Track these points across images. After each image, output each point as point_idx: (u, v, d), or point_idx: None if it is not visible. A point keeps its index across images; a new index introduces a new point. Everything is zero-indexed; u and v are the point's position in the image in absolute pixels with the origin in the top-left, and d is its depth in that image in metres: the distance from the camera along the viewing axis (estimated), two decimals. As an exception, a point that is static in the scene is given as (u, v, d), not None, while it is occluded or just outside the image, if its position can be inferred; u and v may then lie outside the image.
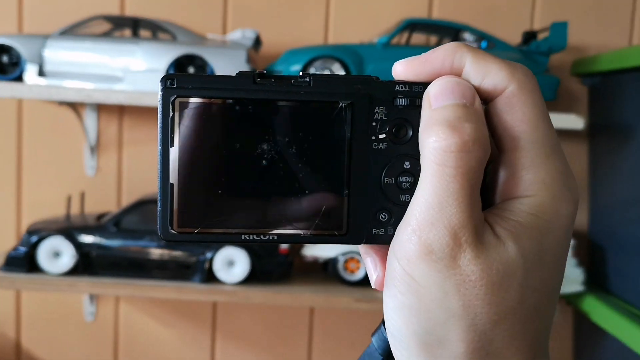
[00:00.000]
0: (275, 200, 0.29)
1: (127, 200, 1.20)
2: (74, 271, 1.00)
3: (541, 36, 1.05)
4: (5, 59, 0.96)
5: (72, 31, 0.99)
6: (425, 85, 0.29)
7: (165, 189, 0.29)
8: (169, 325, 1.24)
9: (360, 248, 0.32)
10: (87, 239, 1.00)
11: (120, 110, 1.20)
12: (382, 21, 1.13)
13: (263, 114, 0.29)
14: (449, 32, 1.02)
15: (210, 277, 1.00)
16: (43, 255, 0.99)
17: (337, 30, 1.17)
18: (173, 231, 0.29)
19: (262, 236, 0.30)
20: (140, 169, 1.20)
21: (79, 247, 1.00)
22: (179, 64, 0.96)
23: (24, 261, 0.99)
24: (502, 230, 0.27)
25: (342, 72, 0.95)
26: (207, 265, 1.00)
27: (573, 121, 0.95)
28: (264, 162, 0.29)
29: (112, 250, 1.00)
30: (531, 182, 0.27)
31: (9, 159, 1.20)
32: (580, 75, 1.12)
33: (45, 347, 1.24)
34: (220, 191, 0.29)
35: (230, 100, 0.29)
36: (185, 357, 1.24)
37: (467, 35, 1.00)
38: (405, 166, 0.30)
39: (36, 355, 1.24)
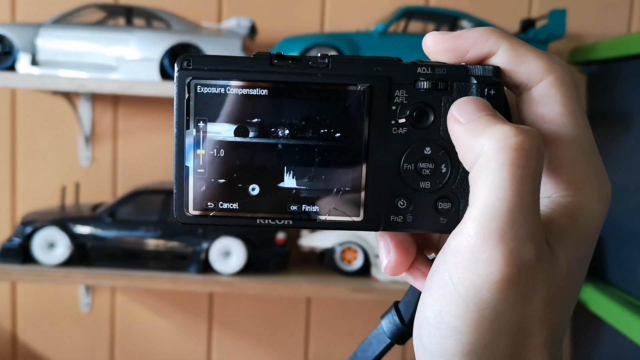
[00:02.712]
0: (291, 184, 0.29)
1: (122, 190, 1.19)
2: (69, 262, 0.99)
3: (539, 24, 1.04)
4: (-3, 48, 0.95)
5: (65, 20, 0.98)
6: (449, 67, 0.28)
7: (180, 171, 0.29)
8: (165, 316, 1.23)
9: (376, 233, 0.31)
10: (82, 229, 0.99)
11: (115, 100, 1.18)
12: (378, 9, 1.12)
13: (280, 96, 0.28)
14: (446, 19, 1.01)
15: (206, 267, 1.00)
16: (38, 246, 0.98)
17: (333, 19, 1.15)
18: (189, 214, 0.29)
19: (277, 221, 0.29)
20: (136, 159, 1.19)
21: (74, 238, 0.99)
22: (174, 53, 0.94)
23: (19, 252, 0.98)
24: (551, 239, 0.25)
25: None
26: (203, 255, 0.99)
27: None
28: (279, 145, 0.29)
29: (107, 241, 0.99)
30: (570, 180, 0.26)
31: (3, 150, 1.19)
32: (579, 63, 1.11)
33: (41, 339, 1.24)
34: (235, 175, 0.29)
35: (246, 82, 0.28)
36: (181, 347, 1.24)
37: (465, 23, 0.99)
38: (425, 152, 0.29)
39: (32, 346, 1.24)
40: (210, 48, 0.94)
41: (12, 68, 0.95)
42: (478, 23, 0.99)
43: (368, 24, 1.10)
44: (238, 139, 0.28)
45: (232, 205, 0.29)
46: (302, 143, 0.28)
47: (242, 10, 1.13)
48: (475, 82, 0.28)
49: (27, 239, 0.99)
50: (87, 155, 1.19)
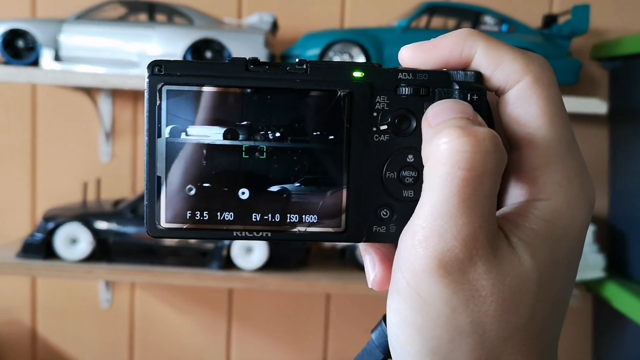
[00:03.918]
0: (268, 195, 0.28)
1: (142, 186, 1.19)
2: (91, 258, 0.99)
3: (562, 19, 1.03)
4: (20, 43, 0.95)
5: (88, 16, 0.98)
6: (430, 73, 0.27)
7: (152, 182, 0.27)
8: (184, 312, 1.23)
9: (360, 245, 0.30)
10: (103, 225, 1.00)
11: (135, 96, 1.19)
12: (397, 5, 1.11)
13: (256, 103, 0.27)
14: (468, 15, 1.00)
15: (227, 263, 1.00)
16: (60, 241, 0.99)
17: (354, 14, 1.15)
18: (160, 226, 0.28)
19: (254, 233, 0.28)
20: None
21: (96, 233, 0.99)
22: (196, 49, 0.94)
23: (41, 248, 0.99)
24: (518, 240, 0.25)
25: (362, 57, 0.94)
26: (224, 252, 0.99)
27: (596, 105, 0.93)
28: (256, 154, 0.27)
29: (128, 237, 1.00)
30: (546, 183, 0.26)
31: (23, 145, 1.19)
32: (601, 59, 1.10)
33: (60, 334, 1.24)
34: (210, 185, 0.28)
35: (221, 88, 0.27)
36: (200, 343, 1.24)
37: (488, 19, 0.99)
38: (408, 160, 0.28)
39: (51, 342, 1.24)
40: (233, 44, 0.94)
41: (35, 64, 0.96)
42: (501, 18, 0.99)
43: (388, 20, 1.09)
44: (212, 148, 0.27)
45: (206, 218, 0.28)
46: (279, 152, 0.27)
47: (261, 6, 1.13)
48: (457, 87, 0.27)
49: (50, 234, 0.99)
50: (107, 151, 1.19)
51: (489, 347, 0.24)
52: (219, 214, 0.28)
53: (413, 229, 0.25)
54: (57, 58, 0.95)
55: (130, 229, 1.00)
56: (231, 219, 0.28)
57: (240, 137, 0.27)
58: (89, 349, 1.24)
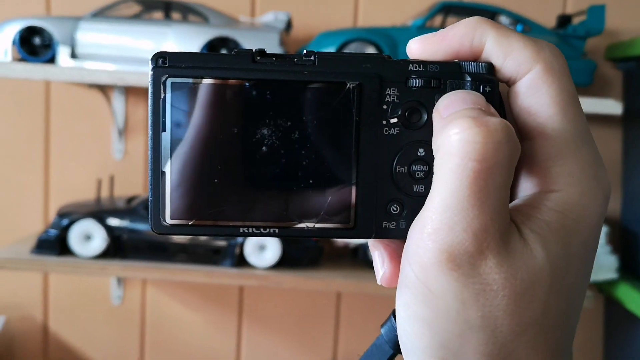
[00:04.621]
0: (276, 190, 0.27)
1: (154, 184, 1.19)
2: (105, 254, 1.00)
3: (577, 19, 1.03)
4: (37, 41, 0.96)
5: (104, 13, 0.98)
6: (442, 64, 0.27)
7: (156, 177, 0.27)
8: (195, 310, 1.24)
9: (369, 241, 0.30)
10: (117, 222, 1.00)
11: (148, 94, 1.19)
12: (411, 5, 1.11)
13: (263, 96, 0.26)
14: (483, 15, 1.00)
15: (240, 261, 1.00)
16: (74, 238, 0.99)
17: (367, 14, 1.15)
18: (165, 223, 0.27)
19: (262, 229, 0.27)
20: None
21: (110, 230, 0.99)
22: (212, 47, 0.95)
23: (55, 244, 0.99)
24: (530, 233, 0.24)
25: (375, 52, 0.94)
26: (237, 249, 1.00)
27: (610, 106, 0.93)
28: (264, 148, 0.27)
29: (142, 234, 1.00)
30: (558, 174, 0.25)
31: (37, 142, 1.20)
32: (616, 60, 1.10)
33: (72, 331, 1.25)
34: (216, 180, 0.27)
35: (227, 81, 0.26)
36: (211, 341, 1.25)
37: (503, 19, 0.98)
38: (419, 154, 0.27)
39: (63, 338, 1.25)
40: (248, 42, 0.94)
41: (51, 61, 0.96)
42: (516, 18, 0.98)
43: (401, 19, 1.10)
44: (218, 142, 0.27)
45: (212, 214, 0.27)
46: (287, 145, 0.27)
47: (274, 5, 1.13)
48: (469, 79, 0.26)
49: (64, 230, 0.99)
50: (120, 148, 1.19)
51: (501, 342, 0.24)
52: (224, 210, 0.27)
53: (422, 221, 0.24)
54: (74, 55, 0.95)
55: (143, 226, 1.00)
56: (237, 215, 0.27)
57: (247, 130, 0.27)
58: (100, 345, 1.25)
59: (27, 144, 1.20)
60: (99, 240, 0.99)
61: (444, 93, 0.26)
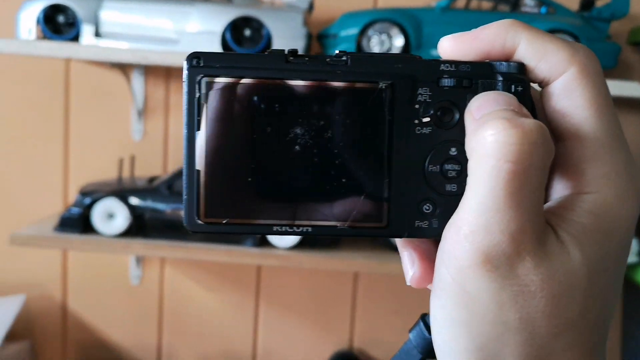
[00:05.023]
0: (309, 188, 0.27)
1: (172, 164, 1.20)
2: (127, 233, 1.00)
3: (600, 2, 1.03)
4: (61, 19, 0.96)
5: (127, -8, 0.98)
6: (473, 64, 0.27)
7: (191, 176, 0.27)
8: (213, 290, 1.25)
9: (397, 241, 0.30)
10: (140, 201, 1.00)
11: (167, 74, 1.19)
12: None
13: (296, 95, 0.27)
14: (507, -4, 0.99)
15: (262, 241, 1.01)
16: (97, 216, 1.00)
17: (388, -5, 1.15)
18: (200, 222, 0.27)
19: (295, 228, 0.28)
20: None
21: (132, 209, 1.00)
22: (235, 26, 0.95)
23: (78, 222, 1.00)
24: (566, 235, 0.24)
25: (401, 37, 0.93)
26: (259, 229, 1.00)
27: (634, 89, 0.93)
28: (297, 147, 0.27)
29: (164, 214, 1.00)
30: (594, 176, 0.25)
31: (57, 122, 1.20)
32: (638, 44, 1.10)
33: (90, 310, 1.26)
34: (250, 179, 0.27)
35: (261, 81, 0.27)
36: (228, 321, 1.26)
37: (527, 1, 0.98)
38: (451, 153, 0.27)
39: (82, 317, 1.26)
40: (272, 22, 0.94)
41: (74, 39, 0.96)
42: (540, 0, 0.98)
43: (423, 0, 1.09)
44: (252, 141, 0.27)
45: (246, 212, 0.27)
46: (320, 145, 0.27)
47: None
48: (500, 79, 0.27)
49: (87, 209, 1.00)
50: (139, 129, 1.20)
51: (539, 343, 0.24)
52: (258, 208, 0.27)
53: (458, 223, 0.24)
54: (97, 34, 0.95)
55: (165, 206, 1.00)
56: (271, 213, 0.27)
57: (281, 130, 0.27)
58: (118, 324, 1.26)
59: (47, 124, 1.20)
60: (121, 218, 1.00)
61: (476, 93, 0.27)
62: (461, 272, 0.24)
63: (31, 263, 1.23)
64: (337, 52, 0.27)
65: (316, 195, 0.27)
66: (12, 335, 1.11)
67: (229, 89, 0.27)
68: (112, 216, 1.00)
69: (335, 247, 1.04)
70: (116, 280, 1.24)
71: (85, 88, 1.19)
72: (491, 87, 0.27)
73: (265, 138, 0.27)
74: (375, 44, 0.93)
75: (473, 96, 0.26)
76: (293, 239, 1.00)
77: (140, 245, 1.00)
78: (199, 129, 0.27)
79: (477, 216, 0.24)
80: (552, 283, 0.24)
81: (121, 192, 1.00)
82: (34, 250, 1.18)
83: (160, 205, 1.01)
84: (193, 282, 1.24)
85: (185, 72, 0.27)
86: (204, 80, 0.27)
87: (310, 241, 1.01)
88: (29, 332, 1.25)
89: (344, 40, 0.94)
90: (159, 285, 1.25)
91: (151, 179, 1.08)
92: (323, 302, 1.25)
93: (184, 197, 0.27)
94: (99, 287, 1.25)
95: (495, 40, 0.26)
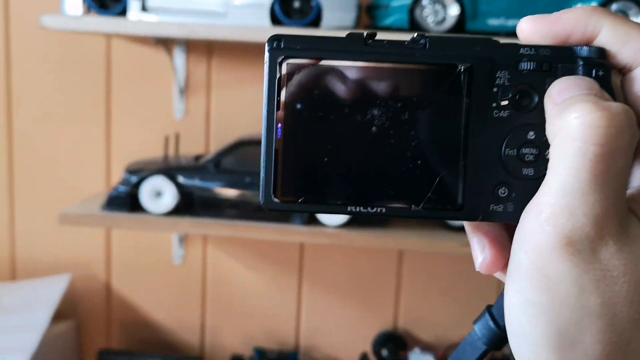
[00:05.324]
0: (384, 169, 0.28)
1: (215, 144, 1.19)
2: (175, 212, 0.99)
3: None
4: (107, -6, 0.94)
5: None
6: (553, 48, 0.27)
7: (269, 154, 0.28)
8: (256, 270, 1.24)
9: (467, 226, 0.30)
10: (187, 179, 0.99)
11: (209, 51, 1.17)
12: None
13: (374, 77, 0.27)
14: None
15: (311, 219, 0.99)
16: (145, 194, 0.99)
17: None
18: (276, 200, 0.28)
19: (369, 208, 0.28)
20: (229, 112, 1.19)
21: (180, 187, 0.99)
22: (284, -1, 0.92)
23: (126, 200, 0.99)
24: None
25: (456, 6, 0.90)
26: (308, 207, 0.98)
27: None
28: (373, 129, 0.27)
29: (212, 192, 0.99)
30: None
31: (99, 101, 1.19)
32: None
33: (134, 289, 1.26)
34: (326, 159, 0.28)
35: (340, 62, 0.27)
36: (271, 301, 1.25)
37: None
38: (529, 137, 0.27)
39: (126, 296, 1.26)
40: (322, -7, 0.91)
41: (121, 14, 0.95)
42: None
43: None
44: (330, 122, 0.27)
45: (321, 192, 0.28)
46: (397, 126, 0.27)
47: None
48: (581, 63, 0.26)
49: (134, 187, 0.99)
50: (181, 107, 1.18)
51: (620, 329, 0.24)
52: (334, 189, 0.28)
53: (539, 206, 0.24)
54: (144, 8, 0.94)
55: (214, 184, 0.99)
56: (346, 194, 0.28)
57: (358, 111, 0.27)
58: (162, 304, 1.26)
59: (89, 103, 1.20)
60: (169, 197, 0.99)
61: (555, 77, 0.27)
62: (541, 256, 0.24)
63: (75, 242, 1.23)
64: (415, 34, 0.27)
65: (391, 176, 0.28)
66: (58, 314, 1.12)
67: (308, 71, 0.27)
68: (159, 194, 0.99)
69: (384, 225, 1.02)
70: (159, 259, 1.24)
71: (126, 66, 1.18)
72: (572, 71, 0.27)
73: (342, 119, 0.27)
74: (429, 14, 0.90)
75: (553, 80, 0.26)
76: (342, 217, 0.98)
77: (188, 224, 0.98)
78: (278, 109, 0.27)
79: (560, 199, 0.23)
80: (635, 268, 0.23)
81: (169, 170, 0.99)
82: (78, 229, 1.18)
83: (208, 183, 0.99)
84: (235, 261, 1.24)
85: (266, 54, 0.27)
86: (285, 62, 0.27)
87: (359, 219, 0.99)
88: (74, 311, 1.25)
89: (396, 10, 0.91)
90: (202, 264, 1.24)
91: (197, 157, 1.07)
92: (367, 281, 1.24)
93: (262, 175, 0.28)
94: (142, 267, 1.24)
95: (576, 25, 0.26)
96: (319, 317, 1.25)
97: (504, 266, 0.29)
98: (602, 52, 0.26)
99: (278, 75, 0.27)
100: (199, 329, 1.26)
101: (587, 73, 0.26)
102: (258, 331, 1.26)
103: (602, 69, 0.26)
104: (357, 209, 0.28)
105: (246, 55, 1.17)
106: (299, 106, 0.27)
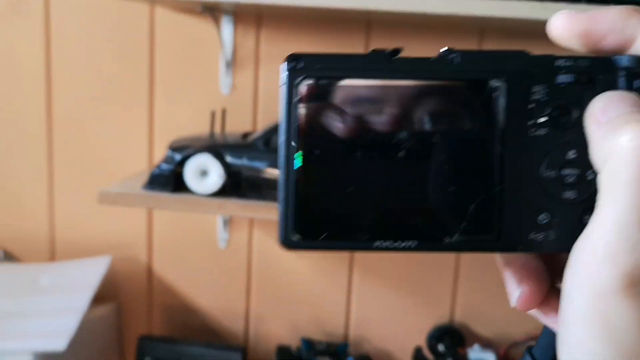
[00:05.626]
0: (413, 199, 0.25)
1: (263, 121, 1.11)
2: (221, 192, 0.92)
3: None
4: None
5: None
6: (592, 59, 0.25)
7: (287, 187, 0.25)
8: (303, 256, 1.16)
9: (500, 258, 0.28)
10: (235, 158, 0.92)
11: (258, 22, 1.09)
12: None
13: (400, 97, 0.25)
14: None
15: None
16: (190, 174, 0.92)
17: None
18: (296, 237, 0.26)
19: (399, 242, 0.25)
20: (278, 87, 1.11)
21: (227, 166, 0.92)
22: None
23: (169, 180, 0.92)
24: None
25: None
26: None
27: None
28: (401, 154, 0.25)
29: (262, 172, 0.92)
30: None
31: (141, 75, 1.13)
32: None
33: (176, 273, 1.20)
34: (350, 189, 0.25)
35: (364, 82, 0.25)
36: (320, 288, 1.17)
37: None
38: (569, 156, 0.25)
39: (167, 280, 1.20)
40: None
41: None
42: None
43: None
44: (354, 149, 0.25)
45: (346, 227, 0.25)
46: (427, 150, 0.25)
47: None
48: (622, 74, 0.24)
49: (178, 166, 0.92)
50: (228, 82, 1.11)
51: None
52: (359, 222, 0.26)
53: (593, 242, 0.22)
54: (191, -29, 0.86)
55: (263, 163, 0.92)
56: (373, 227, 0.25)
57: (384, 136, 0.25)
58: (204, 289, 1.20)
59: (131, 77, 1.13)
60: (215, 176, 0.92)
61: (595, 90, 0.25)
62: (602, 299, 0.21)
63: (116, 223, 1.18)
64: (444, 49, 0.25)
65: (421, 206, 0.25)
66: (98, 297, 1.07)
67: (329, 92, 0.25)
68: (205, 174, 0.93)
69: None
70: (202, 243, 1.18)
71: (171, 38, 1.12)
72: (612, 82, 0.25)
73: (367, 145, 0.25)
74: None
75: (592, 94, 0.24)
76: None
77: (235, 205, 0.91)
78: (297, 136, 0.25)
79: (618, 234, 0.21)
80: None
81: (215, 148, 0.92)
82: (118, 209, 1.12)
83: (256, 163, 0.92)
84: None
85: (283, 75, 0.26)
86: (305, 82, 0.25)
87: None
88: (114, 294, 1.21)
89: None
90: (247, 249, 1.17)
91: (244, 135, 0.99)
92: (422, 272, 1.15)
93: (280, 209, 0.26)
94: (185, 250, 1.19)
95: (613, 26, 0.25)
96: (370, 307, 1.17)
97: (542, 302, 0.27)
98: None
99: (297, 98, 0.25)
100: (243, 316, 1.20)
101: (627, 84, 0.24)
102: (304, 320, 1.19)
103: None
104: (385, 245, 0.25)
105: (296, 27, 1.08)
106: (320, 132, 0.25)
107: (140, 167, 1.14)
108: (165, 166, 0.93)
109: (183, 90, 1.13)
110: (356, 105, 0.25)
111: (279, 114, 0.25)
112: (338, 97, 0.25)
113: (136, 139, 1.15)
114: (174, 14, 1.10)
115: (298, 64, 0.26)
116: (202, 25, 1.09)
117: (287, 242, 0.26)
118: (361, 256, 1.15)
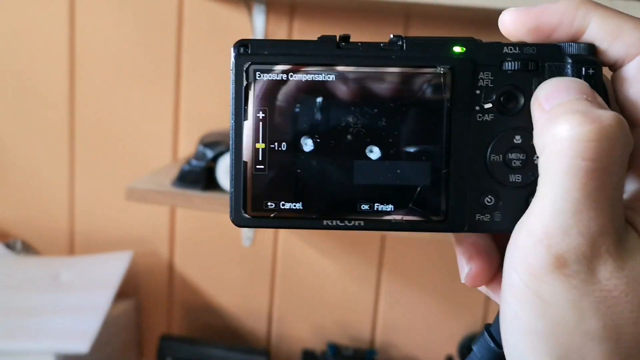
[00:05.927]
0: (361, 180, 0.26)
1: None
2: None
3: None
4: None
5: None
6: (539, 46, 0.25)
7: (237, 167, 0.26)
8: (330, 257, 1.12)
9: (453, 236, 0.29)
10: (269, 156, 0.87)
11: (291, 11, 1.04)
12: None
13: (349, 82, 0.26)
14: None
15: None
16: (223, 171, 0.87)
17: None
18: (246, 215, 0.27)
19: (346, 222, 0.26)
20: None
21: (261, 164, 0.87)
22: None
23: (201, 177, 0.88)
24: None
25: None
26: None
27: None
28: (349, 137, 0.26)
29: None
30: None
31: (168, 64, 1.08)
32: None
33: (198, 270, 1.16)
34: (299, 170, 0.26)
35: (311, 67, 0.26)
36: (346, 291, 1.13)
37: None
38: (515, 141, 0.26)
39: (189, 277, 1.16)
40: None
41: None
42: None
43: None
44: (302, 131, 0.26)
45: (295, 205, 0.26)
46: (373, 135, 0.26)
47: None
48: (570, 61, 0.25)
49: (210, 162, 0.88)
50: (259, 73, 1.06)
51: (626, 352, 0.22)
52: (308, 202, 0.26)
53: (530, 226, 0.23)
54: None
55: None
56: (321, 208, 0.26)
57: (331, 119, 0.26)
58: (227, 288, 1.16)
59: (156, 65, 1.08)
60: (249, 175, 0.87)
61: (542, 77, 0.25)
62: (536, 278, 0.22)
63: (137, 216, 1.14)
64: (391, 36, 0.26)
65: (369, 187, 0.26)
66: (118, 292, 1.02)
67: (277, 77, 0.26)
68: (238, 171, 0.88)
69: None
70: (226, 240, 1.13)
71: (200, 25, 1.06)
72: (560, 70, 0.25)
73: (315, 127, 0.26)
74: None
75: (539, 80, 0.25)
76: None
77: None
78: (246, 119, 0.26)
79: (553, 218, 0.22)
80: (637, 285, 0.22)
81: (249, 145, 0.88)
82: (141, 204, 1.08)
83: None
84: (309, 247, 1.12)
85: (232, 60, 0.26)
86: (252, 67, 0.26)
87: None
88: (135, 290, 1.17)
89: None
90: (273, 248, 1.13)
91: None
92: (454, 277, 1.11)
93: (230, 189, 0.26)
94: (208, 247, 1.14)
95: (563, 18, 0.25)
96: (398, 313, 1.13)
97: (491, 279, 0.28)
98: (592, 49, 0.25)
99: (244, 83, 0.26)
100: (266, 318, 1.16)
101: (576, 72, 0.25)
102: (329, 322, 1.15)
103: (592, 67, 0.25)
104: (334, 223, 0.26)
105: (331, 18, 1.03)
106: (267, 115, 0.26)
107: (164, 157, 1.10)
108: (196, 162, 0.89)
109: (211, 80, 1.08)
110: (304, 89, 0.26)
111: (231, 97, 0.26)
112: (285, 81, 0.26)
113: (161, 129, 1.10)
114: (204, 0, 1.05)
115: (246, 49, 0.26)
116: (233, 14, 1.04)
117: (238, 220, 0.27)
118: (391, 258, 1.11)
